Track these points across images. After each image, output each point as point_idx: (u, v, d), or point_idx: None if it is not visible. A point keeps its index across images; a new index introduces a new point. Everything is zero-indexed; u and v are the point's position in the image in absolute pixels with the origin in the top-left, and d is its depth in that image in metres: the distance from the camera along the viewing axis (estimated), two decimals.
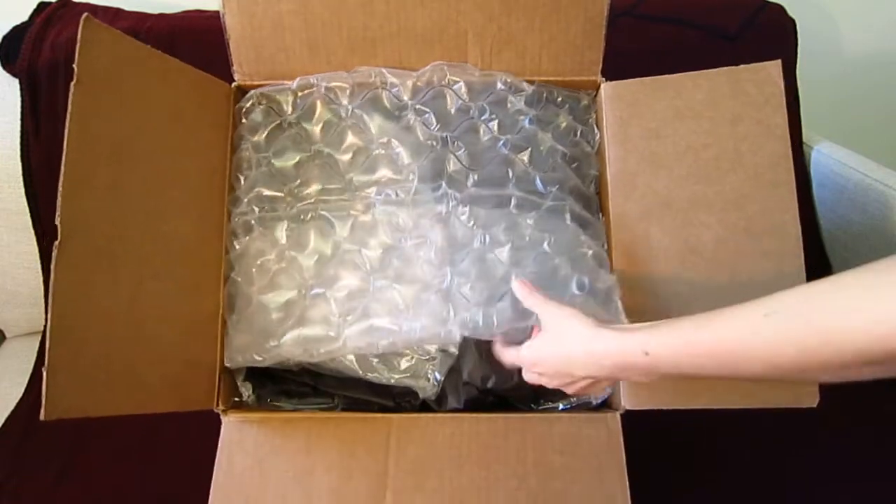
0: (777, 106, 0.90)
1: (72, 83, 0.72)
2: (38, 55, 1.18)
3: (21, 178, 1.19)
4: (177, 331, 0.83)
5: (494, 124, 0.97)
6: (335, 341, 0.87)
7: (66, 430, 1.15)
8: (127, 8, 1.26)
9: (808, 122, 1.31)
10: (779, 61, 0.90)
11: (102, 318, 0.74)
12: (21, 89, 1.18)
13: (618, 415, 0.84)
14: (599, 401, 0.91)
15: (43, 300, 1.27)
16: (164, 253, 0.83)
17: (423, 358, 0.91)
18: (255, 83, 0.98)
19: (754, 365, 0.56)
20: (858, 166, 1.19)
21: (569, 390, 0.78)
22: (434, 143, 0.95)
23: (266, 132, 0.98)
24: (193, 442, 0.90)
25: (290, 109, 0.99)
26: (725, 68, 0.91)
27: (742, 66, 0.91)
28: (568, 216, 0.93)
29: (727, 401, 0.82)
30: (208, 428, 0.84)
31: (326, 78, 0.97)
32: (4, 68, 1.19)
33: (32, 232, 1.22)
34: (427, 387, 0.90)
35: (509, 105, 0.98)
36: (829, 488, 1.05)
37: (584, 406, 0.91)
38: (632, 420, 0.84)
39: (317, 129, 0.98)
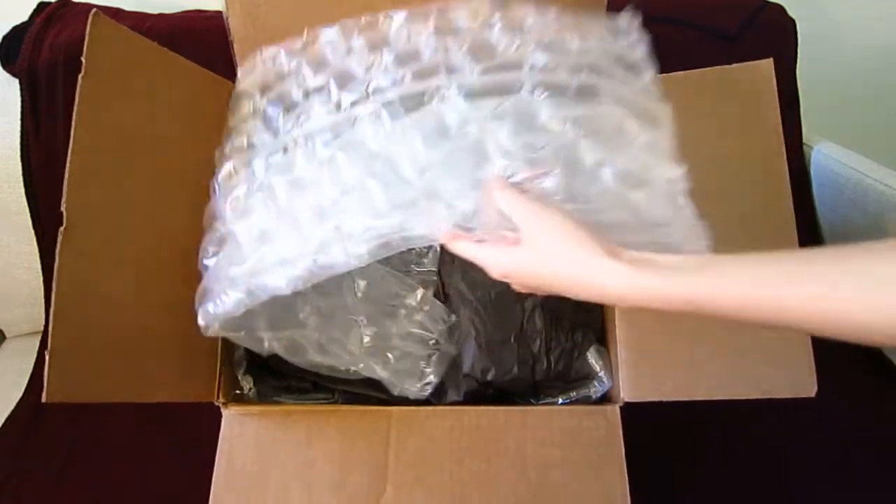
0: (770, 103, 0.91)
1: (80, 75, 0.73)
2: (38, 55, 1.18)
3: (21, 178, 1.19)
4: (178, 322, 0.82)
5: (505, 30, 0.79)
6: (307, 258, 0.72)
7: (65, 429, 1.15)
8: (127, 8, 1.26)
9: (808, 122, 1.31)
10: (770, 60, 0.91)
11: (106, 306, 0.74)
12: (21, 89, 1.18)
13: (617, 408, 0.84)
14: (599, 395, 0.91)
15: (43, 300, 1.27)
16: (167, 245, 0.84)
17: (418, 355, 0.91)
18: None
19: (829, 331, 0.49)
20: (858, 166, 1.19)
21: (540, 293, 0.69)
22: (433, 49, 0.80)
23: (262, 86, 0.88)
24: (193, 439, 0.90)
25: (291, 61, 0.87)
26: (719, 67, 0.93)
27: (735, 64, 0.92)
28: (606, 99, 0.74)
29: (726, 392, 0.83)
30: (208, 426, 0.84)
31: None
32: (4, 68, 1.19)
33: (32, 232, 1.22)
34: (419, 387, 0.90)
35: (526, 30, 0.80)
36: (830, 483, 1.05)
37: (583, 399, 0.92)
38: (631, 412, 0.84)
39: (316, 69, 0.84)
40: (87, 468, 1.11)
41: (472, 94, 0.73)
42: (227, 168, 0.84)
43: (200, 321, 0.78)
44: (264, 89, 0.87)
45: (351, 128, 0.77)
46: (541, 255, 0.61)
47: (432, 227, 0.69)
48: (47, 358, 0.65)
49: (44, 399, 0.64)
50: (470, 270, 0.96)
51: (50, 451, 1.13)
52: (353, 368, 0.90)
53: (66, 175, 0.71)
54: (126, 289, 0.77)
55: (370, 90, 0.78)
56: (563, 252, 0.59)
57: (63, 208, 0.69)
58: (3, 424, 1.18)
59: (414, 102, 0.75)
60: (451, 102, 0.73)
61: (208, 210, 0.84)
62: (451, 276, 0.97)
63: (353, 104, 0.78)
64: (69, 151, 0.71)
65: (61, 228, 0.69)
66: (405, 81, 0.76)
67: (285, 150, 0.81)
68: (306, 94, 0.83)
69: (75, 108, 0.72)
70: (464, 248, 0.67)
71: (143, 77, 0.84)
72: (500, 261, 0.64)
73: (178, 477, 1.02)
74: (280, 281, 0.72)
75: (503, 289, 0.94)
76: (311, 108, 0.81)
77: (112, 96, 0.78)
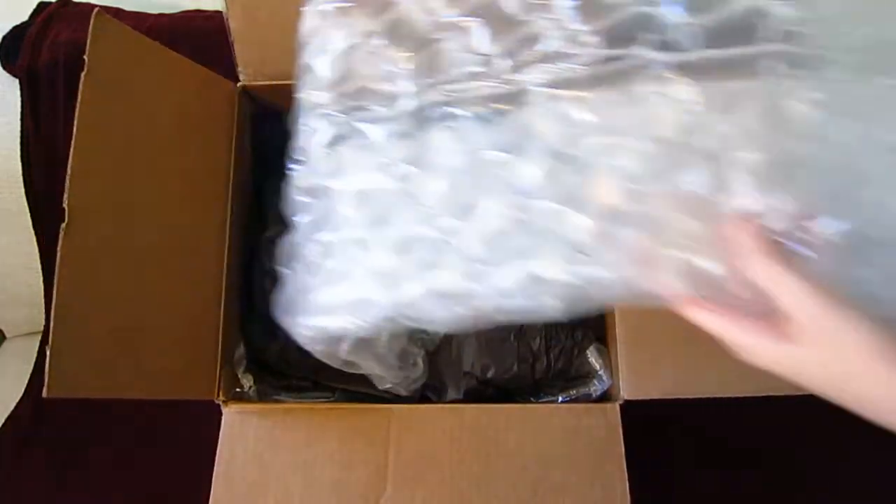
0: None
1: (82, 73, 0.74)
2: (38, 55, 1.17)
3: (21, 178, 1.19)
4: (179, 320, 0.83)
5: None
6: (486, 300, 0.57)
7: (66, 430, 1.15)
8: (127, 8, 1.26)
9: None
10: None
11: (106, 302, 0.74)
12: (21, 89, 1.18)
13: (617, 406, 0.84)
14: (599, 393, 0.91)
15: (43, 300, 1.27)
16: (167, 244, 0.84)
17: (407, 350, 0.90)
18: (261, 83, 0.98)
19: None
20: None
21: None
22: None
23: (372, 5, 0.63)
24: (194, 439, 0.90)
25: None
26: None
27: None
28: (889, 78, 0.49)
29: (727, 390, 0.82)
30: (208, 425, 0.84)
31: None
32: (4, 68, 1.19)
33: (32, 232, 1.22)
34: (403, 380, 0.90)
35: None
36: (830, 482, 1.05)
37: (583, 398, 0.92)
38: (631, 411, 0.84)
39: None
40: (88, 468, 1.11)
41: (694, 73, 0.51)
42: (321, 127, 0.64)
43: (304, 335, 0.68)
44: (376, 9, 0.63)
45: (516, 107, 0.58)
46: (832, 364, 0.48)
47: (661, 286, 0.52)
48: (48, 352, 0.65)
49: (44, 394, 0.64)
50: None
51: (50, 451, 1.13)
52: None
53: (68, 171, 0.71)
54: (127, 285, 0.77)
55: (545, 53, 0.56)
56: (870, 371, 0.46)
57: (65, 204, 0.70)
58: (3, 424, 1.18)
59: (604, 81, 0.54)
60: (666, 90, 0.51)
61: (298, 184, 0.67)
62: None
63: (515, 69, 0.58)
64: (71, 148, 0.71)
65: (63, 224, 0.69)
66: (590, 45, 0.55)
67: (422, 116, 0.61)
68: (436, 28, 0.60)
69: (77, 106, 0.73)
70: (708, 321, 0.53)
71: (144, 76, 0.85)
72: (766, 351, 0.51)
73: (179, 475, 1.02)
74: (440, 315, 0.59)
75: None
76: (449, 60, 0.60)
77: (114, 95, 0.78)
